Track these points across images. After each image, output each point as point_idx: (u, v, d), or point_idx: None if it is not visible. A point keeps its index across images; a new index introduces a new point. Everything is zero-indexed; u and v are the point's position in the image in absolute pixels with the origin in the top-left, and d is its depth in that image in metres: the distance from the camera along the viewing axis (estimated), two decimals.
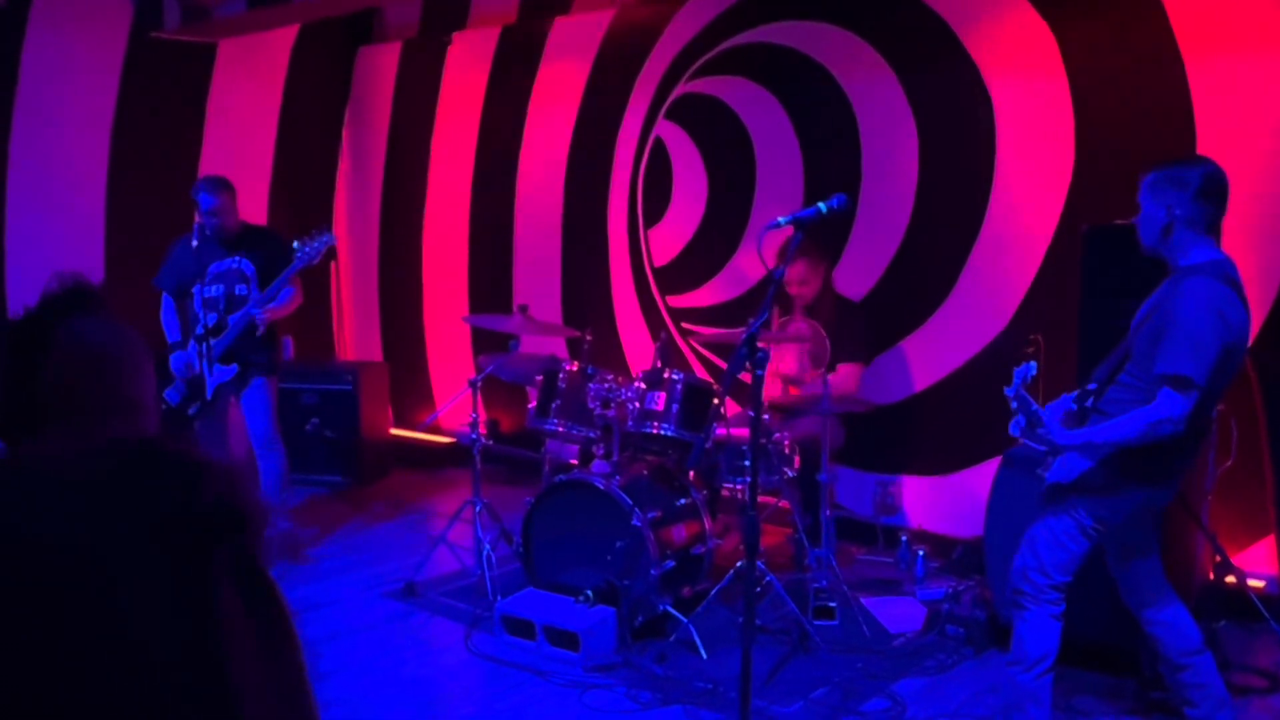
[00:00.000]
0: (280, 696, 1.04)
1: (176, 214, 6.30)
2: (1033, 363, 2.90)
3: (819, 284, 5.03)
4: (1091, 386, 3.10)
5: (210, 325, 4.87)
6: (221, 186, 4.91)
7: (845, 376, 4.93)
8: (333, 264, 7.47)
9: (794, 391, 5.03)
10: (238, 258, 4.96)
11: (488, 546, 4.70)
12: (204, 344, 4.88)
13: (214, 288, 4.94)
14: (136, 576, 0.98)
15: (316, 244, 4.81)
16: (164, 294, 5.11)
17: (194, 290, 4.97)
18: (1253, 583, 4.12)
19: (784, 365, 5.06)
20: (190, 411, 4.96)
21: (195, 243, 4.98)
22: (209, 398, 4.92)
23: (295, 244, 4.82)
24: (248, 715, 0.94)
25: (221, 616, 1.00)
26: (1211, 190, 2.93)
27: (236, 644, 1.00)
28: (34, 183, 5.84)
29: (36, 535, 1.01)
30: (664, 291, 6.14)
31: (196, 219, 4.97)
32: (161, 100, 6.37)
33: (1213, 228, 2.97)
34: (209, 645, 0.99)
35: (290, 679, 1.06)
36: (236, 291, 4.93)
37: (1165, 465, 3.00)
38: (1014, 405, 2.95)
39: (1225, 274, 2.90)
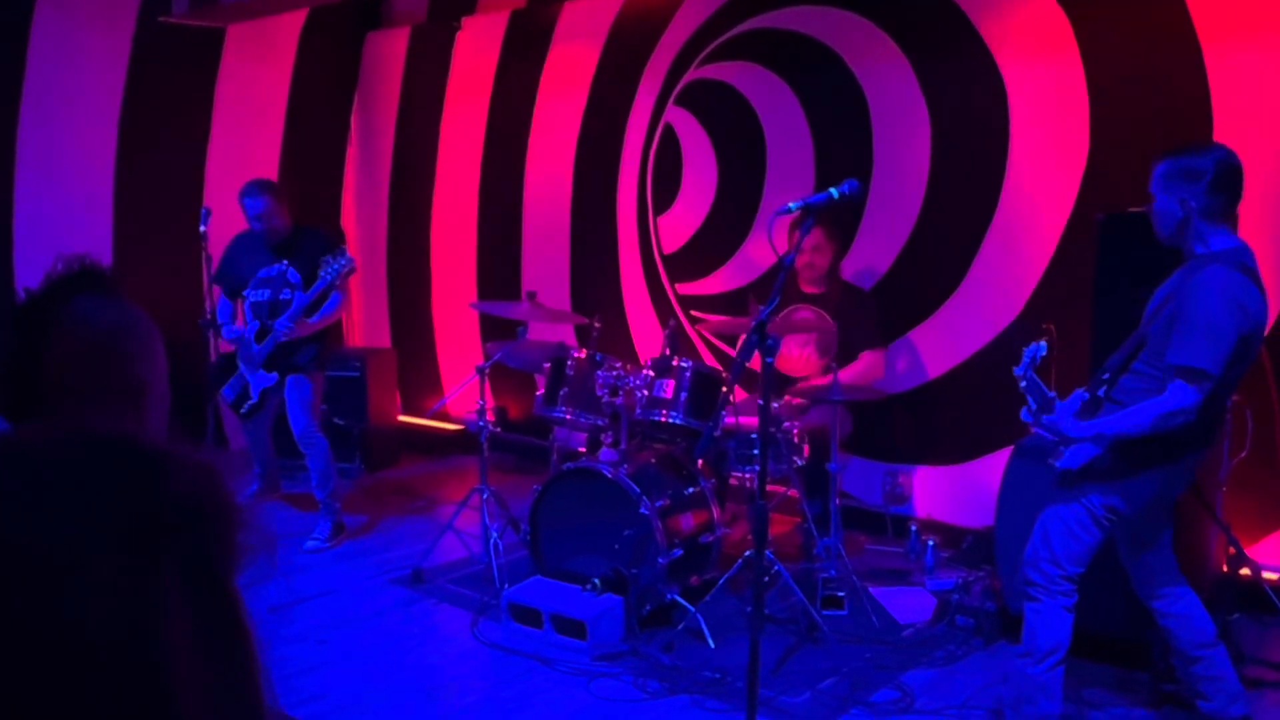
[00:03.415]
0: (226, 704, 1.01)
1: (185, 199, 6.33)
2: (1042, 342, 2.87)
3: (829, 259, 4.96)
4: (1105, 375, 3.06)
5: (256, 331, 5.05)
6: (264, 189, 5.04)
7: (870, 364, 4.89)
8: None
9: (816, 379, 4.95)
10: (284, 263, 5.08)
11: (495, 534, 4.69)
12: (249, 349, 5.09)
13: (261, 292, 5.11)
14: (84, 570, 0.96)
15: (337, 265, 4.90)
16: (219, 293, 5.26)
17: (244, 294, 5.15)
18: (1267, 575, 4.07)
19: (791, 354, 4.99)
20: (243, 410, 5.18)
21: (248, 243, 5.17)
22: (255, 400, 5.13)
23: (321, 260, 4.91)
24: (186, 717, 0.92)
25: (165, 617, 0.98)
26: (1225, 179, 2.89)
27: (179, 646, 0.98)
28: (43, 167, 5.83)
29: None
30: (673, 279, 6.10)
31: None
32: (170, 85, 6.35)
33: (1229, 215, 2.93)
34: (148, 645, 0.97)
35: (238, 688, 1.03)
36: (282, 297, 5.06)
37: (1180, 451, 2.96)
38: (1023, 385, 2.92)
39: (1242, 262, 2.87)
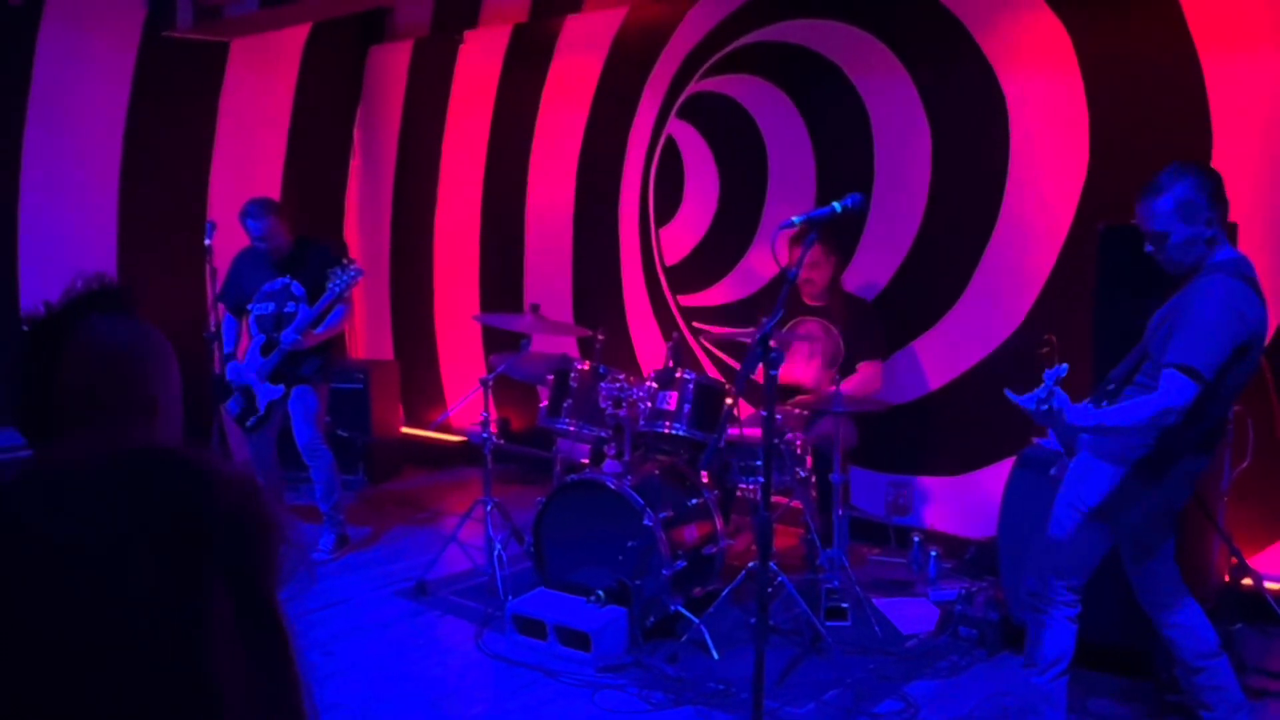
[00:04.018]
0: (271, 714, 1.03)
1: (189, 212, 6.35)
2: (1064, 365, 2.83)
3: (829, 273, 4.99)
4: (1110, 387, 3.08)
5: (262, 344, 5.09)
6: (266, 210, 5.07)
7: (869, 375, 4.91)
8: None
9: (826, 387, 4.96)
10: (288, 277, 5.12)
11: (499, 546, 4.70)
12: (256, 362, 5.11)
13: (266, 306, 5.14)
14: (131, 583, 0.98)
15: (346, 276, 4.96)
16: (225, 310, 5.28)
17: (249, 308, 5.18)
18: (1269, 585, 4.08)
19: (796, 365, 5.01)
20: (249, 423, 5.19)
21: (251, 260, 5.21)
22: (261, 412, 5.13)
23: (329, 272, 4.96)
24: None
25: (211, 629, 0.99)
26: (1219, 187, 2.91)
27: (225, 658, 0.99)
28: (48, 181, 5.86)
29: (48, 536, 1.01)
30: (675, 290, 6.12)
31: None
32: (174, 99, 6.38)
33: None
34: (196, 656, 0.98)
35: (283, 699, 1.05)
36: (286, 310, 5.10)
37: (1180, 467, 2.98)
38: (1044, 409, 2.84)
39: (1243, 272, 2.88)
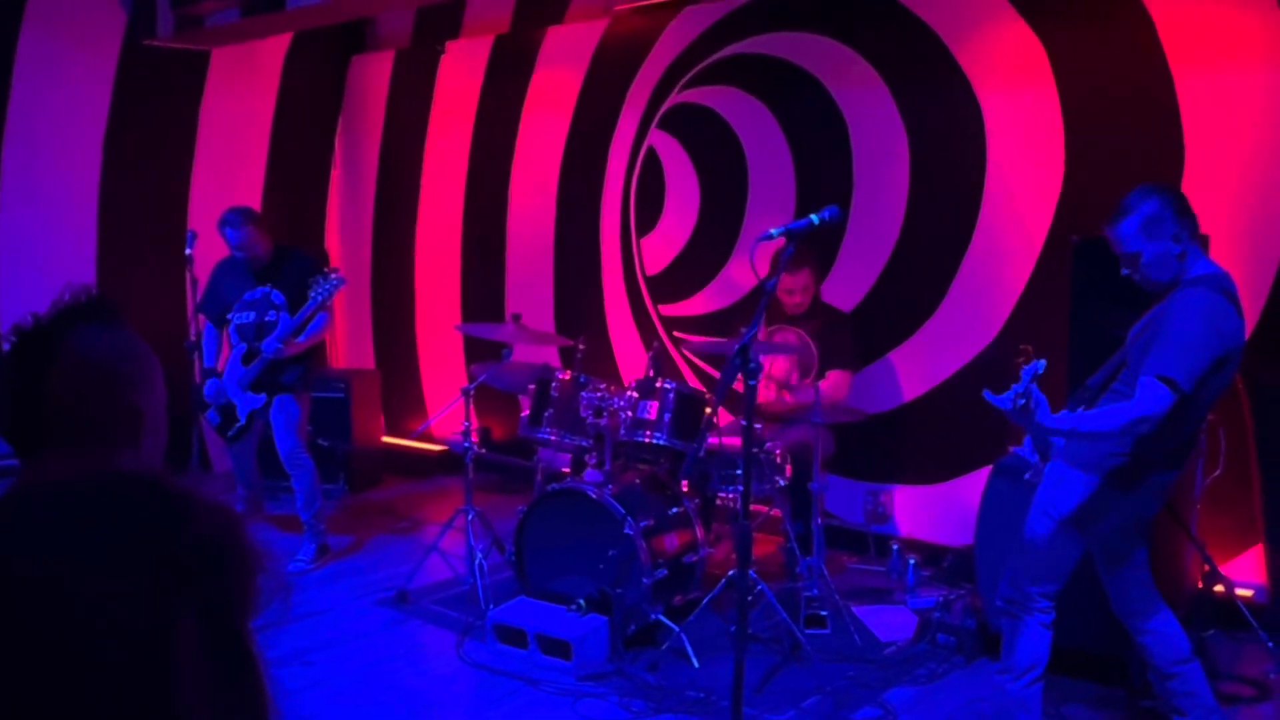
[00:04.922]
0: None
1: (169, 221, 6.34)
2: (1041, 361, 2.87)
3: (810, 295, 5.06)
4: (1085, 395, 3.12)
5: (243, 354, 5.08)
6: (245, 219, 5.06)
7: (835, 384, 4.95)
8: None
9: (787, 397, 5.04)
10: (268, 286, 5.12)
11: (480, 555, 4.70)
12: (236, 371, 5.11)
13: (246, 315, 5.13)
14: (100, 611, 0.99)
15: (329, 285, 4.95)
16: (205, 320, 5.27)
17: (229, 318, 5.17)
18: (1241, 592, 4.14)
19: (775, 369, 5.07)
20: (229, 434, 5.19)
21: (231, 269, 5.21)
22: (242, 422, 5.12)
23: (311, 280, 4.96)
24: None
25: (178, 660, 1.01)
26: (1182, 200, 2.97)
27: (191, 689, 1.01)
28: (27, 190, 5.83)
29: (24, 571, 1.02)
30: (656, 300, 6.15)
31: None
32: (154, 108, 6.37)
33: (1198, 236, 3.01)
34: (161, 688, 1.00)
35: None
36: (267, 319, 5.09)
37: (1152, 477, 3.02)
38: (1020, 404, 2.89)
39: (1225, 287, 2.93)
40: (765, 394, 5.05)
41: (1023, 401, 2.87)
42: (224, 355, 5.26)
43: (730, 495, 4.56)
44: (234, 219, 5.04)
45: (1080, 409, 3.09)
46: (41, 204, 5.91)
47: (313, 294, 4.92)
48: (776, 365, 5.09)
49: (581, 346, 4.85)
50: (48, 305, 1.45)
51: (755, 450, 4.39)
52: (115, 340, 1.46)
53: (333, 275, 4.97)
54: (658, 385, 4.51)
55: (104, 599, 0.98)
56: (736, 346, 2.83)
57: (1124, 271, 3.04)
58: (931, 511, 5.25)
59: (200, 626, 1.01)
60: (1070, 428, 2.94)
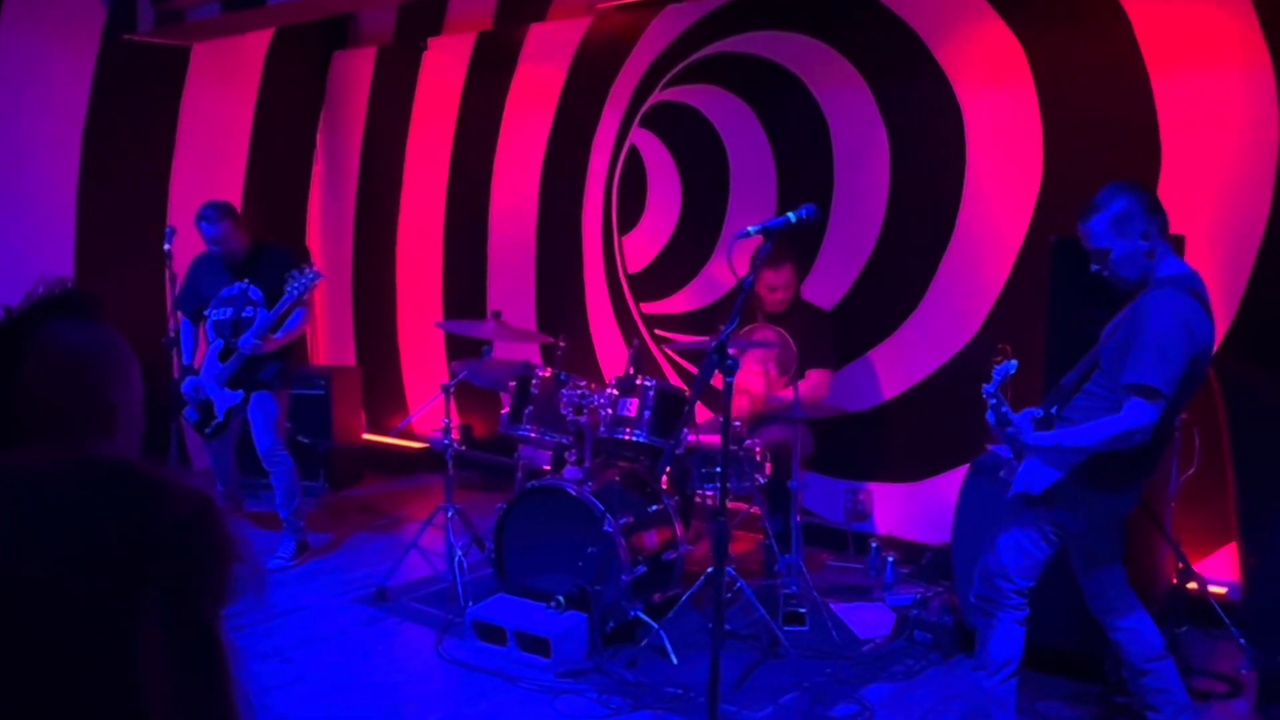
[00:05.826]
0: None
1: (149, 217, 6.30)
2: (1013, 361, 2.92)
3: (792, 293, 5.07)
4: (1058, 394, 3.15)
5: (220, 350, 5.05)
6: (221, 214, 5.02)
7: (816, 383, 4.96)
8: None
9: (760, 406, 5.03)
10: (245, 281, 5.09)
11: (460, 552, 4.70)
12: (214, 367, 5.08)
13: (223, 311, 5.10)
14: (69, 594, 1.00)
15: (305, 280, 4.94)
16: (182, 317, 5.22)
17: (206, 313, 5.14)
18: (1214, 589, 4.18)
19: (752, 384, 5.04)
20: (207, 431, 5.16)
21: (208, 265, 5.17)
22: (220, 419, 5.10)
23: (288, 275, 4.94)
24: None
25: (143, 642, 1.01)
26: (1153, 198, 3.00)
27: (155, 671, 1.02)
28: (4, 185, 5.79)
29: None
30: (638, 298, 6.16)
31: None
32: (134, 103, 6.33)
33: (1167, 235, 3.03)
34: (124, 668, 1.00)
35: (214, 712, 1.06)
36: (244, 315, 5.06)
37: (1127, 475, 3.05)
38: (991, 403, 2.97)
39: (1192, 287, 2.95)
40: (738, 405, 5.03)
41: (994, 400, 2.92)
42: (201, 351, 5.23)
43: (710, 492, 4.57)
44: (210, 213, 5.00)
45: (1054, 409, 3.12)
46: (19, 199, 5.87)
47: (289, 289, 4.90)
48: (752, 379, 5.06)
49: (562, 344, 4.86)
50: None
51: (734, 448, 4.41)
52: (90, 334, 1.45)
53: (309, 270, 4.95)
54: (638, 383, 4.51)
55: (72, 579, 0.99)
56: (714, 343, 2.84)
57: (1093, 268, 3.06)
58: (910, 509, 5.27)
59: (166, 606, 1.01)
60: (1054, 444, 2.97)
